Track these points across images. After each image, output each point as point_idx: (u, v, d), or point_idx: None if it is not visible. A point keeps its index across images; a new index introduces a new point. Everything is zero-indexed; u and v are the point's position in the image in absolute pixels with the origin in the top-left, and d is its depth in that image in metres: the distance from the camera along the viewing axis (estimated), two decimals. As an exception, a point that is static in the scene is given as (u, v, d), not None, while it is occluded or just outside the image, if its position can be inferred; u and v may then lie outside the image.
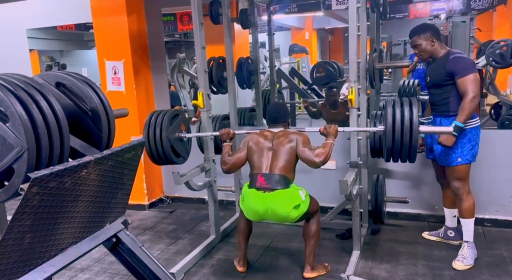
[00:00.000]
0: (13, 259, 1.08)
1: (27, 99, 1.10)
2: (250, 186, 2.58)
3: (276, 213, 2.48)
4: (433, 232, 3.18)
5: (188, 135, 2.95)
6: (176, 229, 3.68)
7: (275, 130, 2.69)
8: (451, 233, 3.07)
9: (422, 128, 2.33)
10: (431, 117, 2.80)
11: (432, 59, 2.83)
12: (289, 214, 2.48)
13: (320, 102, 4.91)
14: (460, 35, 5.82)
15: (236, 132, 2.88)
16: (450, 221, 3.07)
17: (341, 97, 4.53)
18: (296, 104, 6.38)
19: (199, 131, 3.37)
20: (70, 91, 1.38)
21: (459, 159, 2.68)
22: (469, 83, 2.57)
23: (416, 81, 4.50)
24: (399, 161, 2.43)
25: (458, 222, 2.92)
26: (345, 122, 3.49)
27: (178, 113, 2.94)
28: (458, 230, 2.98)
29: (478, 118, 2.75)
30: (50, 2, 4.47)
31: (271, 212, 2.48)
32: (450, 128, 2.38)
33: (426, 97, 3.44)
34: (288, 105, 5.77)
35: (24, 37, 4.66)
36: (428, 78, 2.81)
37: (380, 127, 2.42)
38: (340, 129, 2.55)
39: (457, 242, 3.00)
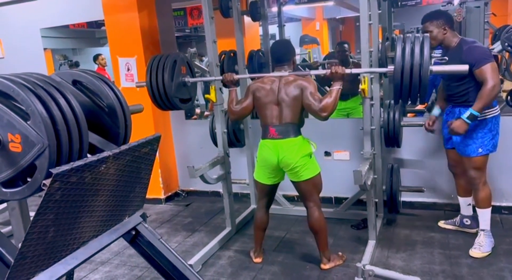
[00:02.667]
0: (38, 252, 1.12)
1: (46, 97, 1.13)
2: (263, 138, 2.64)
3: (285, 159, 2.54)
4: (449, 221, 3.17)
5: (191, 80, 2.93)
6: (193, 222, 3.73)
7: (280, 73, 2.62)
8: (467, 221, 3.05)
9: (435, 67, 2.26)
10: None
11: (444, 48, 2.78)
12: (297, 161, 2.54)
13: (329, 63, 4.75)
14: (474, 21, 5.70)
15: (239, 76, 2.83)
16: (465, 210, 3.05)
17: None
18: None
19: (212, 125, 3.40)
20: (87, 88, 1.41)
21: (480, 150, 2.65)
22: (488, 73, 2.50)
23: None
24: (409, 101, 2.36)
25: (474, 210, 2.91)
26: (354, 83, 3.47)
27: (176, 58, 2.85)
28: (474, 218, 2.97)
29: (497, 106, 2.71)
30: (62, 1, 4.53)
31: (282, 159, 2.54)
32: (465, 66, 2.25)
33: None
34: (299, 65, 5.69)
35: (38, 37, 4.74)
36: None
37: (390, 67, 2.35)
38: (348, 70, 2.48)
39: (473, 230, 2.98)
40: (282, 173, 2.69)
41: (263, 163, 2.66)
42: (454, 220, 3.14)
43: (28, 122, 1.10)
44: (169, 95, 2.77)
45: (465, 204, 3.04)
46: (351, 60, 4.40)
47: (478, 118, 2.59)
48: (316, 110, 2.46)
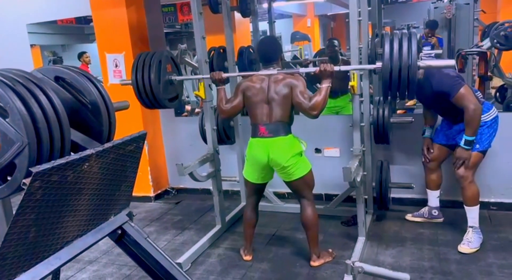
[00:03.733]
0: (19, 253, 1.09)
1: (26, 94, 1.10)
2: (253, 136, 2.62)
3: (276, 158, 2.53)
4: (416, 213, 3.26)
5: (178, 78, 2.90)
6: (182, 220, 3.70)
7: (269, 72, 2.59)
8: (435, 212, 3.18)
9: (421, 62, 2.26)
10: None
11: None
12: (288, 161, 2.52)
13: (320, 61, 4.74)
14: (464, 18, 5.74)
15: (227, 75, 2.80)
16: (433, 202, 3.18)
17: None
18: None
19: (201, 122, 3.37)
20: (70, 85, 1.38)
21: (477, 146, 2.69)
22: (463, 99, 2.57)
23: None
24: (397, 97, 2.39)
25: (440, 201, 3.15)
26: (344, 80, 3.47)
27: (161, 56, 2.81)
28: (440, 208, 3.17)
29: (493, 108, 2.76)
30: (49, -4, 4.46)
31: (272, 159, 2.53)
32: (451, 61, 2.27)
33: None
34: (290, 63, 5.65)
35: (24, 32, 4.65)
36: (418, 99, 2.80)
37: (378, 64, 2.35)
38: (336, 68, 2.46)
39: (441, 220, 3.16)
40: (272, 172, 2.68)
41: (253, 161, 2.65)
42: (422, 212, 3.23)
43: (6, 120, 1.07)
44: (156, 93, 2.73)
45: (434, 197, 3.16)
46: (341, 57, 4.38)
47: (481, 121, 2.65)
48: (306, 109, 2.46)
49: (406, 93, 2.32)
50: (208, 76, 2.83)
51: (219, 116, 2.70)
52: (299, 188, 2.65)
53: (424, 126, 3.10)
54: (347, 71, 2.65)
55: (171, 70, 2.89)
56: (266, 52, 2.65)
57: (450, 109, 2.72)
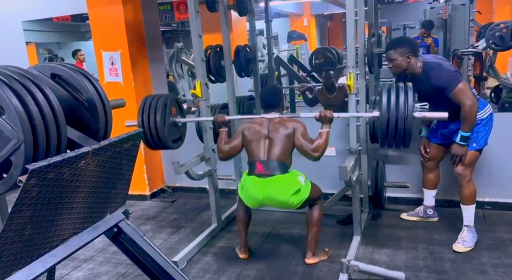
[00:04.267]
0: (14, 250, 1.09)
1: (22, 91, 1.10)
2: (249, 174, 2.59)
3: (276, 198, 2.51)
4: (411, 212, 3.28)
5: (182, 120, 2.93)
6: (178, 219, 3.70)
7: (270, 116, 2.67)
8: (430, 211, 3.20)
9: (417, 113, 2.34)
10: (426, 103, 2.80)
11: (411, 74, 2.79)
12: (289, 199, 2.51)
13: (317, 88, 4.86)
14: (459, 18, 5.78)
15: (230, 117, 2.85)
16: (429, 201, 3.19)
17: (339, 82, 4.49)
18: (296, 91, 6.35)
19: (198, 121, 3.36)
20: (66, 82, 1.37)
21: (474, 145, 2.70)
22: (460, 95, 2.58)
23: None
24: (393, 146, 2.44)
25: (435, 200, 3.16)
26: (342, 108, 3.50)
27: (170, 97, 2.87)
28: (435, 207, 3.18)
29: (488, 105, 2.77)
30: (45, -7, 4.44)
31: (271, 197, 2.51)
32: (445, 114, 2.36)
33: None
34: (287, 88, 5.72)
35: (20, 30, 4.63)
36: (417, 95, 2.80)
37: (375, 113, 2.42)
38: (335, 115, 2.53)
39: (436, 219, 3.17)
40: None
41: (247, 197, 2.62)
42: (417, 211, 3.25)
43: (2, 117, 1.07)
44: (161, 136, 2.76)
45: (430, 196, 3.17)
46: (336, 84, 4.44)
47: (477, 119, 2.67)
48: (308, 150, 2.49)
49: (402, 143, 2.39)
50: (210, 118, 2.91)
51: (218, 156, 2.73)
52: (307, 205, 2.67)
53: (420, 126, 3.11)
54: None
55: (176, 112, 2.93)
56: (269, 99, 2.74)
57: (446, 105, 2.70)
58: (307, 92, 4.89)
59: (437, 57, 3.04)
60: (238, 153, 2.77)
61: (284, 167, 2.54)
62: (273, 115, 2.66)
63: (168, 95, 2.92)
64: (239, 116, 2.91)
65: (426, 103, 2.76)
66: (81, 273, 2.82)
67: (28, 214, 1.08)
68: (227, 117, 2.79)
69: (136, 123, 2.80)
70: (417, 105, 2.54)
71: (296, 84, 6.50)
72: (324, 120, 2.53)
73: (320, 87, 4.68)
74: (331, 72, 4.45)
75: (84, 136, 1.34)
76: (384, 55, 2.99)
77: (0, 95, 1.06)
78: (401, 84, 2.40)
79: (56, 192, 1.13)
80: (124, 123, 2.80)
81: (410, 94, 2.32)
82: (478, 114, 2.66)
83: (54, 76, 1.36)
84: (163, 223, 3.63)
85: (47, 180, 1.07)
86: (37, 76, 1.22)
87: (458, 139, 2.65)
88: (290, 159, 2.60)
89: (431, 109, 2.97)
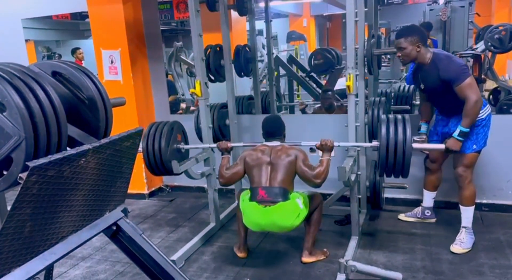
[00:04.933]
0: (14, 247, 1.09)
1: (23, 88, 1.10)
2: (251, 200, 2.57)
3: (279, 225, 2.53)
4: (409, 213, 3.28)
5: (186, 147, 2.97)
6: (176, 218, 3.70)
7: (272, 144, 2.69)
8: (428, 212, 3.21)
9: (415, 145, 2.40)
10: (424, 137, 2.93)
11: (418, 64, 2.79)
12: (293, 224, 2.53)
13: (316, 106, 4.88)
14: (458, 20, 5.78)
15: (233, 145, 2.87)
16: (427, 202, 3.20)
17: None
18: (295, 93, 6.35)
19: (197, 120, 3.37)
20: (67, 80, 1.38)
21: (474, 146, 2.70)
22: (467, 89, 2.55)
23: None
24: (393, 176, 2.50)
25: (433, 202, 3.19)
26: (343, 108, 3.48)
27: (174, 125, 2.92)
28: (434, 209, 3.19)
29: (487, 105, 2.76)
30: (44, -9, 4.43)
31: (275, 225, 2.53)
32: (442, 146, 2.45)
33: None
34: (286, 94, 5.75)
35: (19, 27, 4.62)
36: (423, 86, 2.79)
37: (375, 143, 2.47)
38: (336, 143, 2.58)
39: (433, 220, 3.19)
40: None
41: (250, 222, 2.62)
42: (415, 212, 3.26)
43: (3, 114, 1.07)
44: (165, 161, 2.78)
45: (429, 198, 3.18)
46: (335, 103, 4.46)
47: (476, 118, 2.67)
48: (310, 177, 2.51)
49: (401, 174, 2.44)
50: (214, 145, 2.92)
51: (219, 181, 2.76)
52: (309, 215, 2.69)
53: (420, 122, 3.09)
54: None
55: (181, 139, 2.96)
56: (271, 128, 2.79)
57: (450, 98, 2.68)
58: (306, 109, 4.94)
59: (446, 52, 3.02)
60: (240, 179, 2.79)
61: (286, 193, 2.54)
62: (275, 142, 2.69)
63: (174, 122, 2.95)
64: (242, 143, 2.96)
65: (423, 137, 2.81)
66: (79, 271, 2.82)
67: (28, 212, 1.08)
68: (230, 144, 2.82)
69: (140, 149, 2.82)
70: (415, 138, 2.70)
71: (295, 85, 6.50)
72: (325, 149, 2.57)
73: (319, 105, 4.68)
74: (329, 93, 4.48)
75: (85, 134, 1.34)
76: (383, 56, 3.00)
77: (2, 92, 1.06)
78: (399, 116, 2.45)
79: (56, 190, 1.13)
80: (123, 121, 2.81)
81: (408, 126, 2.38)
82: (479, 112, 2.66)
83: (55, 74, 1.36)
84: (161, 222, 3.63)
85: (47, 177, 1.07)
86: (38, 74, 1.23)
87: (456, 134, 2.62)
88: (292, 185, 2.62)
89: (434, 103, 2.97)
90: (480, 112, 2.67)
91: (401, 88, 4.11)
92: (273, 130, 2.78)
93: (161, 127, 2.83)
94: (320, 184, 2.52)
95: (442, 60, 2.65)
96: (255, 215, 2.55)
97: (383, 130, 2.41)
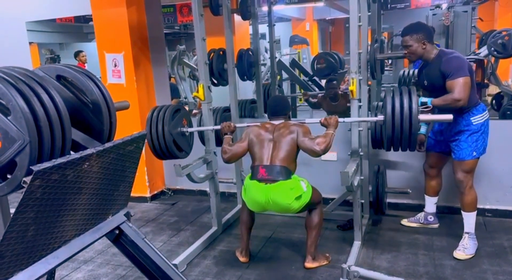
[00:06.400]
0: (17, 251, 1.09)
1: (28, 92, 1.10)
2: (251, 178, 2.59)
3: (278, 203, 2.51)
4: (412, 218, 3.27)
5: (190, 130, 2.95)
6: (178, 221, 3.70)
7: (276, 122, 2.70)
8: (430, 217, 3.19)
9: (422, 116, 2.32)
10: (430, 106, 2.75)
11: (424, 61, 2.79)
12: (291, 205, 2.50)
13: (320, 95, 4.90)
14: (461, 25, 5.79)
15: (237, 125, 2.88)
16: (430, 208, 3.18)
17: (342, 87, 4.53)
18: (297, 96, 6.36)
19: (200, 124, 3.37)
20: (71, 83, 1.38)
21: (474, 153, 2.69)
22: (457, 86, 2.52)
23: (417, 71, 4.49)
24: (400, 149, 2.44)
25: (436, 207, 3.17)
26: (345, 114, 3.45)
27: (180, 108, 2.94)
28: (436, 214, 3.18)
29: (486, 110, 2.75)
30: (49, -6, 4.46)
31: (273, 203, 2.51)
32: (449, 116, 2.34)
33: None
34: (289, 97, 5.78)
35: (23, 30, 4.64)
36: (426, 82, 2.78)
37: (380, 117, 2.43)
38: (341, 120, 2.55)
39: (436, 225, 3.17)
40: None
41: (250, 201, 2.62)
42: (418, 217, 3.24)
43: (8, 118, 1.07)
44: (169, 144, 2.78)
45: (431, 203, 3.16)
46: (340, 92, 4.48)
47: (473, 123, 2.67)
48: (310, 144, 2.48)
49: (408, 146, 2.38)
50: (218, 127, 2.92)
51: (222, 157, 2.74)
52: (307, 209, 2.68)
53: (420, 122, 3.07)
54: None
55: (186, 124, 2.96)
56: (276, 108, 2.78)
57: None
58: (310, 99, 4.93)
59: None
60: (242, 156, 2.76)
61: (287, 172, 2.53)
62: (279, 121, 2.69)
63: (174, 105, 2.95)
64: (246, 124, 2.92)
65: (429, 106, 2.72)
66: (80, 275, 2.82)
67: (31, 215, 1.08)
68: (234, 125, 2.82)
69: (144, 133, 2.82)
70: (420, 108, 2.52)
71: (297, 89, 6.51)
72: (330, 123, 2.54)
73: (323, 94, 4.71)
74: (334, 82, 4.51)
75: (89, 138, 1.34)
76: (386, 61, 3.00)
77: (7, 96, 1.06)
78: (405, 88, 2.38)
79: (59, 194, 1.13)
80: (125, 124, 2.82)
81: (414, 96, 2.30)
82: (476, 117, 2.67)
83: (59, 78, 1.37)
84: (163, 225, 3.62)
85: (51, 181, 1.07)
86: (42, 78, 1.23)
87: (424, 100, 2.62)
88: (294, 164, 2.60)
89: (434, 97, 2.94)
90: (479, 116, 2.67)
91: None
92: (278, 109, 2.77)
93: (164, 110, 2.80)
94: (319, 152, 2.45)
95: (447, 55, 2.65)
96: (255, 193, 2.54)
97: (389, 103, 2.34)
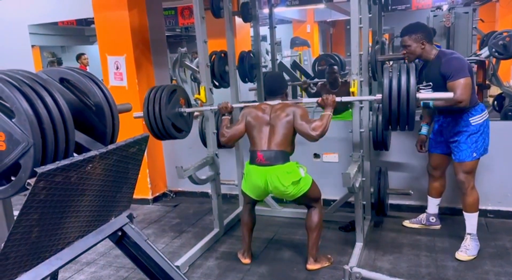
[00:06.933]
0: (21, 253, 1.10)
1: (32, 95, 1.11)
2: (250, 163, 2.62)
3: (275, 186, 2.53)
4: (414, 219, 3.27)
5: (187, 110, 2.95)
6: (180, 223, 3.70)
7: (273, 102, 2.67)
8: (432, 219, 3.19)
9: (421, 95, 2.29)
10: (431, 83, 2.74)
11: (424, 61, 2.80)
12: (287, 188, 2.52)
13: (320, 83, 4.88)
14: (462, 26, 5.79)
15: (234, 105, 2.87)
16: (432, 209, 3.18)
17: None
18: (298, 98, 6.37)
19: (202, 126, 3.38)
20: (74, 86, 1.39)
21: (474, 154, 2.70)
22: (459, 88, 2.52)
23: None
24: (398, 128, 2.41)
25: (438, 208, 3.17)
26: (344, 103, 3.39)
27: (176, 88, 2.90)
28: (438, 215, 3.17)
29: (486, 110, 2.76)
30: (51, -2, 4.48)
31: (271, 185, 2.53)
32: (450, 94, 2.31)
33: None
34: (289, 82, 5.76)
35: (26, 33, 4.67)
36: (425, 83, 2.78)
37: (378, 96, 2.39)
38: (338, 98, 2.52)
39: (438, 226, 3.17)
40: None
41: (251, 186, 2.65)
42: (420, 218, 3.24)
43: (12, 120, 1.08)
44: (166, 125, 2.78)
45: (434, 204, 3.16)
46: (340, 80, 4.48)
47: (472, 124, 2.67)
48: (307, 129, 2.48)
49: (406, 125, 2.34)
50: (214, 107, 2.93)
51: (220, 140, 2.75)
52: (306, 201, 2.68)
53: (421, 123, 3.08)
54: (348, 92, 2.70)
55: (184, 104, 2.95)
56: (272, 86, 2.76)
57: None
58: (309, 88, 4.90)
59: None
60: (240, 138, 2.77)
61: (285, 155, 2.55)
62: (276, 101, 2.66)
63: (174, 85, 2.93)
64: (243, 104, 2.92)
65: (430, 84, 2.70)
66: (83, 276, 2.82)
67: (35, 217, 1.08)
68: (231, 105, 2.80)
69: (142, 114, 2.83)
70: (420, 86, 2.50)
71: (299, 91, 6.51)
72: (326, 103, 2.52)
73: (323, 82, 4.70)
74: (335, 67, 4.48)
75: (92, 140, 1.35)
76: (387, 62, 3.00)
77: (11, 99, 1.07)
78: (404, 65, 2.33)
79: (63, 195, 1.14)
80: (128, 127, 2.82)
81: (413, 74, 2.25)
82: (475, 117, 2.68)
83: (62, 80, 1.38)
84: (165, 227, 3.63)
85: (55, 183, 1.08)
86: (46, 80, 1.24)
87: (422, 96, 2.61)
88: (291, 146, 2.62)
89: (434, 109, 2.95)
90: (477, 116, 2.68)
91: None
92: (274, 88, 2.73)
93: (161, 91, 2.79)
94: (316, 137, 2.46)
95: (446, 55, 2.66)
96: (255, 176, 2.57)
97: (386, 81, 2.30)
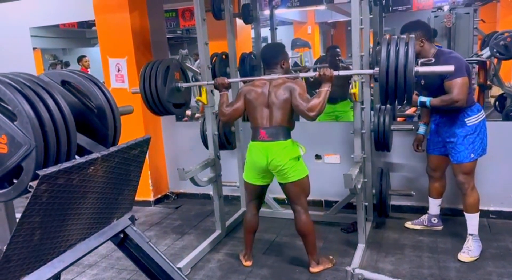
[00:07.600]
0: (23, 255, 1.10)
1: (34, 98, 1.11)
2: (253, 140, 2.64)
3: (274, 159, 2.55)
4: (416, 221, 3.26)
5: (184, 85, 2.93)
6: (182, 225, 3.70)
7: (270, 77, 2.62)
8: (434, 220, 3.19)
9: (419, 68, 2.25)
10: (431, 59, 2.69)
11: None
12: (285, 164, 2.54)
13: (320, 67, 4.81)
14: (463, 27, 5.78)
15: (230, 80, 2.82)
16: (433, 209, 3.17)
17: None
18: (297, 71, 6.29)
19: (203, 127, 3.38)
20: (76, 89, 1.39)
21: (472, 155, 2.69)
22: (455, 87, 2.54)
23: None
24: (396, 102, 2.37)
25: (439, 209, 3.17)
26: (344, 87, 3.38)
27: (169, 64, 2.85)
28: (440, 216, 3.17)
29: (482, 111, 2.75)
30: (52, 0, 4.49)
31: (270, 159, 2.55)
32: (451, 67, 2.24)
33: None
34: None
35: (27, 36, 4.68)
36: (423, 81, 2.78)
37: (376, 69, 2.35)
38: (335, 72, 2.49)
39: (440, 227, 3.16)
40: (271, 175, 2.68)
41: (252, 164, 2.66)
42: (422, 219, 3.24)
43: (14, 123, 1.08)
44: (162, 100, 2.77)
45: (435, 205, 3.16)
46: (341, 64, 4.43)
47: (468, 124, 2.67)
48: (303, 110, 2.46)
49: (404, 98, 2.30)
50: (211, 82, 2.86)
51: (220, 119, 2.73)
52: (294, 193, 2.64)
53: (419, 122, 3.09)
54: (347, 78, 2.67)
55: (179, 78, 2.92)
56: (269, 56, 2.70)
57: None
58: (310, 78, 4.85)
59: None
60: (240, 116, 2.78)
61: (286, 131, 2.59)
62: (273, 75, 2.61)
63: (170, 59, 2.89)
64: (239, 79, 2.88)
65: (431, 59, 2.67)
66: (85, 279, 2.82)
67: (37, 220, 1.09)
68: (227, 80, 2.76)
69: (139, 90, 2.83)
70: (421, 60, 2.46)
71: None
72: (324, 79, 2.49)
73: (324, 66, 4.63)
74: (338, 50, 4.39)
75: (93, 143, 1.35)
76: None
77: (13, 102, 1.07)
78: (403, 36, 2.29)
79: (65, 198, 1.14)
80: (129, 129, 2.83)
81: (411, 47, 2.20)
82: (471, 118, 2.68)
83: (64, 83, 1.38)
84: (167, 229, 3.63)
85: (57, 185, 1.08)
86: (48, 83, 1.24)
87: (422, 99, 2.67)
88: (292, 122, 2.63)
89: (432, 96, 2.93)
90: (473, 117, 2.68)
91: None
92: (271, 59, 2.66)
93: (156, 66, 2.77)
94: (314, 117, 2.45)
95: (445, 54, 2.67)
96: (257, 153, 2.60)
97: (383, 53, 2.24)
